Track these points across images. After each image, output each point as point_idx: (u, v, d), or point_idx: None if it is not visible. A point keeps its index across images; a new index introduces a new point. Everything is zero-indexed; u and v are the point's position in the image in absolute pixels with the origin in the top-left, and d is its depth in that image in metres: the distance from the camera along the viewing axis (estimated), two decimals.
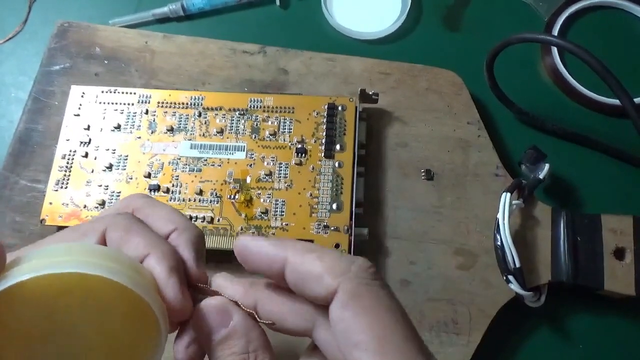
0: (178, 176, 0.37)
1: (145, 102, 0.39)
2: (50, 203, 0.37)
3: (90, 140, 0.38)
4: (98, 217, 0.24)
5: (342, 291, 0.19)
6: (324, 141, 0.38)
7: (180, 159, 0.38)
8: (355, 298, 0.18)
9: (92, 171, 0.37)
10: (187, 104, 0.39)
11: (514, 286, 0.35)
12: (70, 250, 0.20)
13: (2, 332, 0.19)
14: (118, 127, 0.39)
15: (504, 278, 0.35)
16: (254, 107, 0.39)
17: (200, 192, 0.37)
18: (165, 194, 0.37)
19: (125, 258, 0.21)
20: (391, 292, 0.19)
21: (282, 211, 0.36)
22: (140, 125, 0.39)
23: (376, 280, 0.19)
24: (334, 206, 0.36)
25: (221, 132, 0.38)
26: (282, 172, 0.37)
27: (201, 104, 0.39)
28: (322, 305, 0.20)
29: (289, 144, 0.38)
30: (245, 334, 0.20)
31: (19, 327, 0.19)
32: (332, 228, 0.35)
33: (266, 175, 0.37)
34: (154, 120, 0.39)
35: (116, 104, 0.39)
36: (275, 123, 0.38)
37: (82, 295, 0.20)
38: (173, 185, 0.37)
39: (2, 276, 0.19)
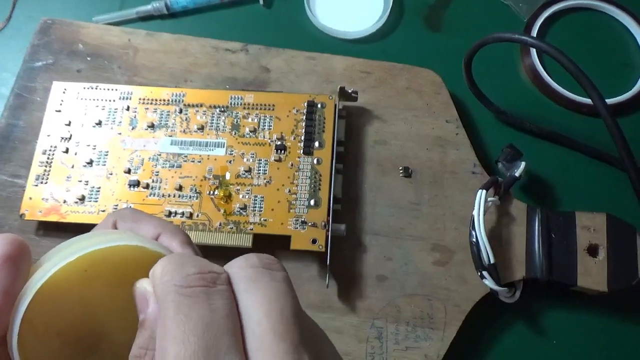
0: (158, 172, 0.37)
1: (127, 98, 0.40)
2: (30, 198, 0.37)
3: (71, 136, 0.38)
4: (106, 217, 0.24)
5: None
6: (303, 138, 0.38)
7: (160, 155, 0.38)
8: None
9: (73, 167, 0.38)
10: (168, 100, 0.40)
11: (489, 282, 0.35)
12: (81, 238, 0.20)
13: (47, 335, 0.19)
14: (99, 123, 0.39)
15: (479, 274, 0.36)
16: (234, 104, 0.39)
17: (180, 188, 0.37)
18: (145, 190, 0.37)
19: (136, 234, 0.21)
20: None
21: (260, 207, 0.36)
22: (121, 122, 0.39)
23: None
24: (312, 202, 0.36)
25: (202, 128, 0.39)
26: (261, 168, 0.37)
27: (182, 101, 0.39)
28: None
29: (269, 140, 0.38)
30: (152, 329, 0.18)
31: (60, 324, 0.19)
32: (310, 224, 0.36)
33: (245, 171, 0.37)
34: (135, 117, 0.39)
35: (98, 100, 0.40)
36: (255, 120, 0.39)
37: (112, 271, 0.19)
38: (153, 181, 0.37)
39: (27, 283, 0.19)
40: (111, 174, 0.37)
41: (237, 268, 0.18)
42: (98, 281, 0.19)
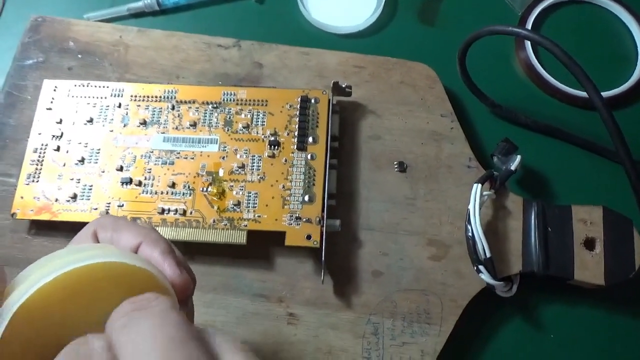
0: (151, 169, 0.37)
1: (119, 95, 0.39)
2: (22, 197, 0.36)
3: (62, 134, 0.38)
4: (86, 226, 0.24)
5: None
6: (296, 134, 0.38)
7: (152, 152, 0.38)
8: None
9: (64, 165, 0.37)
10: (160, 97, 0.39)
11: (485, 276, 0.35)
12: (58, 255, 0.20)
13: (26, 355, 0.19)
14: (90, 120, 0.38)
15: (475, 268, 0.35)
16: (227, 100, 0.39)
17: (173, 185, 0.37)
18: (138, 187, 0.37)
19: (114, 248, 0.21)
20: None
21: (254, 203, 0.36)
22: (112, 119, 0.39)
23: None
24: (306, 198, 0.36)
25: (194, 125, 0.38)
26: (254, 164, 0.37)
27: (174, 97, 0.39)
28: None
29: (262, 136, 0.38)
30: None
31: (37, 342, 0.19)
32: (304, 220, 0.35)
33: (239, 167, 0.37)
34: (126, 114, 0.39)
35: (89, 97, 0.39)
36: (249, 116, 0.38)
37: (91, 288, 0.19)
38: (145, 178, 0.37)
39: (3, 306, 0.18)
40: (103, 172, 0.37)
41: (109, 326, 0.17)
42: (77, 299, 0.19)
